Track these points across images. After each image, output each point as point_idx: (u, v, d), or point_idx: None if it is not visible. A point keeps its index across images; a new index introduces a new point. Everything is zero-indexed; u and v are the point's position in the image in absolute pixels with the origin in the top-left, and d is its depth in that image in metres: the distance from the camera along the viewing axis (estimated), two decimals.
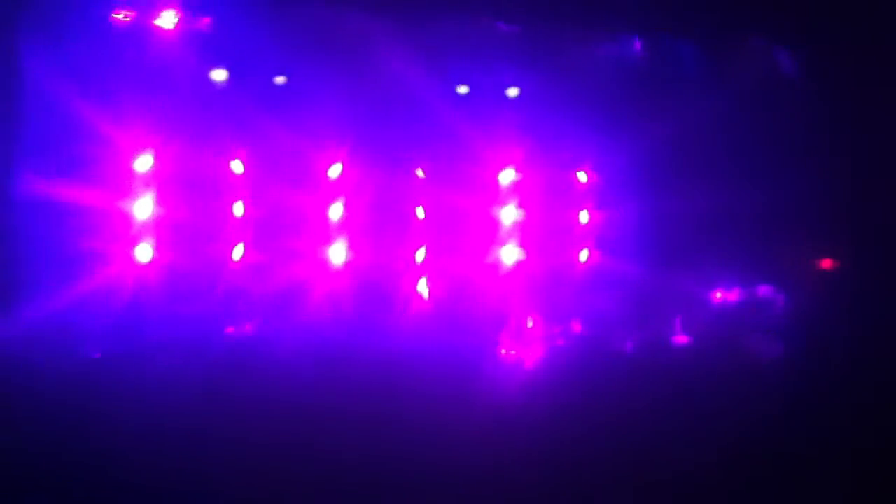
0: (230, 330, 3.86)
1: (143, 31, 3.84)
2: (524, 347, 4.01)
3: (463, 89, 4.08)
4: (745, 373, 4.02)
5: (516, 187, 4.07)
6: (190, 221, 3.86)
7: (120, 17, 3.81)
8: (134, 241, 3.78)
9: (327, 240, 3.94)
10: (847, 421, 3.90)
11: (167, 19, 3.84)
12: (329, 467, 3.70)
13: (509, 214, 4.05)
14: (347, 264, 3.95)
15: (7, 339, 3.57)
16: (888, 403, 3.97)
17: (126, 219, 3.78)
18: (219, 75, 3.95)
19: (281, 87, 3.98)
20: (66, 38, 3.73)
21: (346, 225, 3.95)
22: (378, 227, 3.98)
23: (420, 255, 3.99)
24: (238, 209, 3.92)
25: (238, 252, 3.90)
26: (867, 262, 4.10)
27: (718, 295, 4.17)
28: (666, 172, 4.10)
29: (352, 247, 3.95)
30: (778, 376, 4.01)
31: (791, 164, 4.10)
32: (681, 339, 4.13)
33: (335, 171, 3.96)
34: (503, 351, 3.99)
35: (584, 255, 4.12)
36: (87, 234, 3.72)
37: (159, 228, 3.81)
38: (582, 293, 4.10)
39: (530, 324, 4.05)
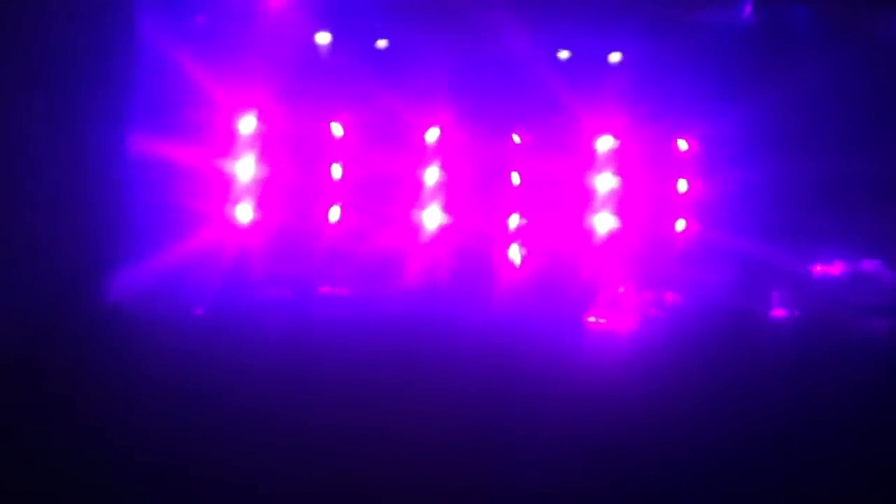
0: (325, 290, 3.95)
1: None
2: (617, 316, 3.97)
3: (564, 54, 4.03)
4: (846, 349, 3.89)
5: (614, 154, 4.01)
6: (290, 183, 3.95)
7: None
8: (235, 201, 3.90)
9: (422, 203, 3.98)
10: None
11: None
12: (426, 425, 3.75)
13: (606, 182, 4.00)
14: (441, 228, 3.98)
15: (118, 292, 3.72)
16: None
17: (229, 180, 3.90)
18: (322, 38, 4.01)
19: (382, 52, 4.02)
20: (179, 4, 3.84)
21: (441, 189, 3.98)
22: (473, 191, 3.99)
23: (514, 220, 3.99)
24: (336, 171, 3.99)
25: (335, 214, 3.98)
26: None
27: (819, 268, 4.03)
28: (769, 142, 3.96)
29: (446, 210, 3.98)
30: (880, 354, 3.87)
31: None
32: (778, 312, 4.02)
33: (432, 135, 3.98)
34: (594, 319, 3.96)
35: (680, 225, 4.04)
36: (192, 193, 3.85)
37: (261, 189, 3.92)
38: (678, 264, 4.02)
39: (623, 293, 4.01)
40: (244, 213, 3.91)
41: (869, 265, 3.99)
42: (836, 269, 4.03)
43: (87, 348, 3.60)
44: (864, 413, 3.74)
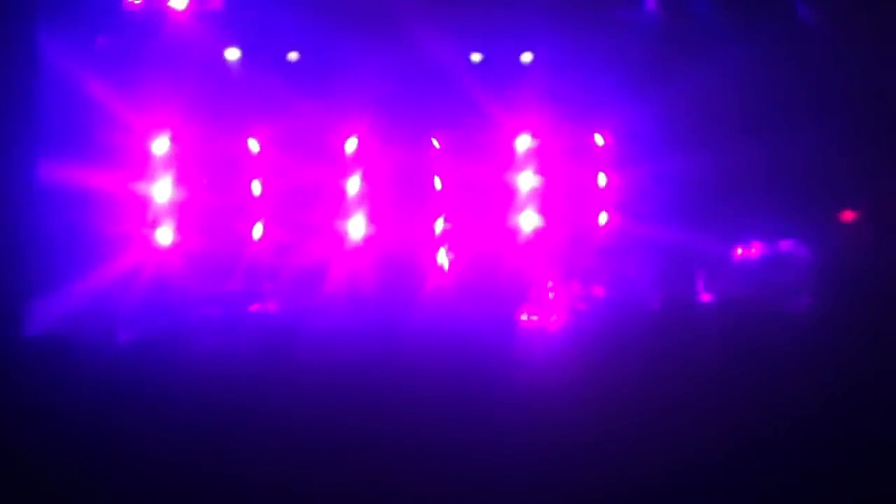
0: (254, 308, 3.90)
1: (155, 13, 3.85)
2: (547, 313, 4.00)
3: (476, 56, 4.05)
4: (770, 328, 3.98)
5: (533, 153, 4.05)
6: (209, 202, 3.89)
7: (133, 0, 3.82)
8: (154, 224, 3.82)
9: (346, 214, 3.95)
10: (871, 377, 3.86)
11: (180, 0, 3.85)
12: (352, 442, 3.72)
13: (527, 180, 4.03)
14: (366, 237, 3.96)
15: (36, 326, 3.62)
16: None
17: (146, 202, 3.82)
18: (232, 54, 3.96)
19: (293, 64, 3.98)
20: (82, 24, 3.76)
21: (363, 198, 3.96)
22: (395, 198, 3.98)
23: (439, 224, 3.99)
24: (256, 188, 3.94)
25: (258, 230, 3.93)
26: (889, 213, 4.03)
27: (740, 251, 4.13)
28: (683, 130, 4.05)
29: (371, 219, 3.96)
30: (802, 331, 3.97)
31: (809, 117, 4.03)
32: (705, 296, 4.10)
33: (351, 144, 3.96)
34: (525, 317, 3.98)
35: (603, 219, 4.10)
36: (108, 219, 3.77)
37: (179, 210, 3.85)
38: (603, 256, 4.07)
39: (552, 289, 4.04)
40: (164, 235, 3.83)
41: (785, 245, 4.10)
42: (754, 251, 4.12)
43: (6, 387, 3.49)
44: (792, 389, 3.83)
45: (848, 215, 4.08)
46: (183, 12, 3.86)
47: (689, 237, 4.04)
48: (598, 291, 4.08)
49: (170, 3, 3.85)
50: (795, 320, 4.01)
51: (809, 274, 4.05)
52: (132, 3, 3.81)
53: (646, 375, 3.80)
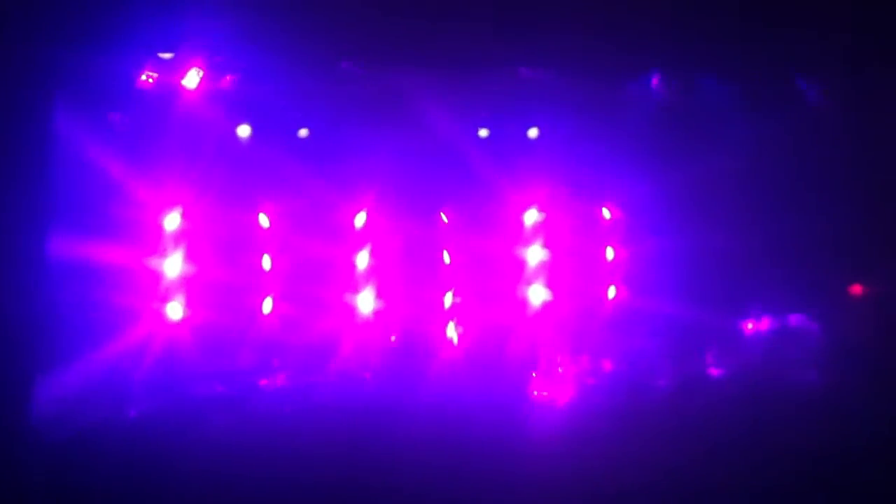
0: (263, 383, 3.90)
1: (168, 91, 3.91)
2: (556, 388, 3.99)
3: (483, 132, 4.11)
4: (782, 403, 3.96)
5: (541, 227, 4.07)
6: (219, 277, 3.91)
7: (146, 79, 3.89)
8: (165, 299, 3.84)
9: (355, 288, 3.97)
10: (887, 449, 3.84)
11: (191, 79, 3.92)
12: None
13: (535, 254, 4.05)
14: (376, 311, 3.97)
15: (46, 398, 3.62)
16: None
17: (157, 276, 3.85)
18: (243, 131, 4.02)
19: (303, 140, 4.04)
20: (96, 100, 3.82)
21: (373, 273, 3.98)
22: (404, 273, 4.00)
23: (448, 299, 4.00)
24: (266, 263, 3.97)
25: (268, 305, 3.95)
26: None
27: (750, 326, 4.12)
28: (691, 205, 4.07)
29: (379, 294, 3.98)
30: (814, 406, 3.95)
31: (819, 191, 4.06)
32: (714, 371, 4.09)
33: (360, 219, 3.99)
34: (535, 392, 3.98)
35: (612, 293, 4.11)
36: (119, 292, 3.79)
37: (189, 285, 3.87)
38: (612, 330, 4.07)
39: (561, 364, 4.03)
40: (174, 310, 3.85)
41: (795, 319, 4.10)
42: (764, 325, 4.12)
43: (15, 465, 3.49)
44: (806, 464, 3.81)
45: (858, 289, 4.09)
46: (195, 91, 3.92)
47: (697, 311, 4.05)
48: (607, 366, 4.07)
49: (182, 83, 3.91)
50: (807, 396, 3.99)
51: (820, 349, 4.05)
52: (146, 81, 3.88)
53: (655, 452, 3.78)
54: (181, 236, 3.87)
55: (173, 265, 3.85)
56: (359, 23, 3.80)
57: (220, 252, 3.92)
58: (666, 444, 3.85)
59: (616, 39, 3.88)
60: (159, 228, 3.86)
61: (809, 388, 4.02)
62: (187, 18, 3.73)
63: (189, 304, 3.85)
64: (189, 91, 3.93)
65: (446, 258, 4.02)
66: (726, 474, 3.80)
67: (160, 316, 3.82)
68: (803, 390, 4.01)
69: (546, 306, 4.04)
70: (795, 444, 3.83)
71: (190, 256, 3.87)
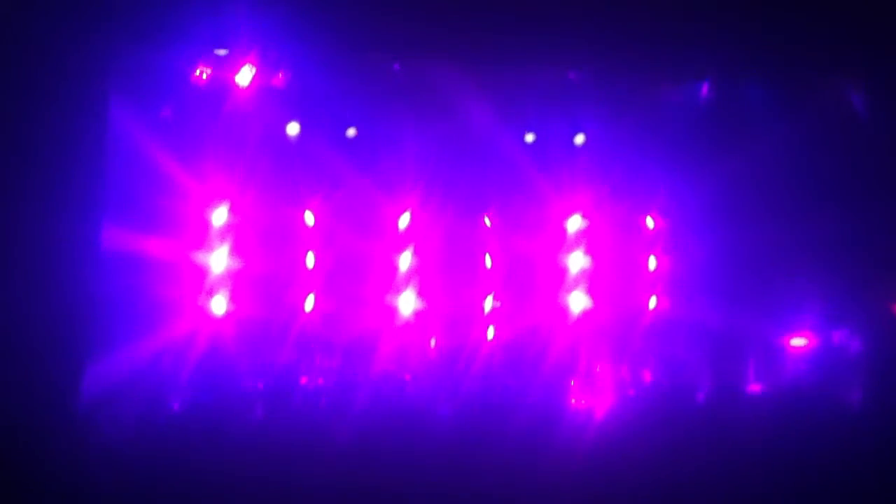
0: (304, 380, 3.94)
1: (221, 87, 3.96)
2: (594, 396, 3.99)
3: (530, 137, 4.10)
4: (822, 424, 3.91)
5: (584, 234, 4.07)
6: (263, 273, 3.96)
7: (199, 75, 3.94)
8: (210, 293, 3.90)
9: (397, 289, 4.00)
10: None
11: (244, 76, 3.96)
12: None
13: (577, 261, 4.04)
14: (416, 313, 3.99)
15: (91, 390, 3.69)
16: None
17: (203, 271, 3.90)
18: (292, 128, 4.06)
19: (351, 140, 4.07)
20: (149, 95, 3.88)
21: (415, 274, 4.00)
22: (446, 275, 4.02)
23: (488, 303, 4.02)
24: (310, 260, 4.01)
25: (310, 303, 3.99)
26: None
27: (794, 342, 4.08)
28: (736, 215, 4.04)
29: (421, 295, 4.00)
30: (856, 430, 3.89)
31: (866, 202, 3.99)
32: (755, 387, 4.05)
33: (404, 220, 4.02)
34: (573, 400, 3.98)
35: (653, 302, 4.09)
36: (165, 286, 3.85)
37: (234, 281, 3.92)
38: (652, 340, 4.06)
39: (600, 372, 4.03)
40: (219, 305, 3.91)
41: (839, 336, 4.04)
42: (807, 341, 4.07)
43: (61, 447, 3.56)
44: (848, 483, 3.76)
45: None
46: (247, 88, 3.96)
47: (739, 324, 4.01)
48: (646, 376, 4.06)
49: (235, 79, 3.96)
50: (848, 418, 3.94)
51: (864, 367, 3.99)
52: (199, 77, 3.92)
53: (690, 466, 3.76)
54: (227, 231, 3.91)
55: (219, 260, 3.90)
56: (412, 23, 3.82)
57: (265, 248, 3.95)
58: (702, 459, 3.83)
59: (665, 45, 3.85)
60: (206, 223, 3.91)
61: (852, 408, 3.96)
62: (241, 15, 3.77)
63: (233, 300, 3.89)
64: (241, 88, 3.96)
65: (488, 262, 4.02)
66: (762, 494, 3.77)
67: (205, 310, 3.87)
68: (846, 411, 3.95)
69: (586, 314, 4.03)
70: (835, 468, 3.79)
71: (236, 251, 3.92)
